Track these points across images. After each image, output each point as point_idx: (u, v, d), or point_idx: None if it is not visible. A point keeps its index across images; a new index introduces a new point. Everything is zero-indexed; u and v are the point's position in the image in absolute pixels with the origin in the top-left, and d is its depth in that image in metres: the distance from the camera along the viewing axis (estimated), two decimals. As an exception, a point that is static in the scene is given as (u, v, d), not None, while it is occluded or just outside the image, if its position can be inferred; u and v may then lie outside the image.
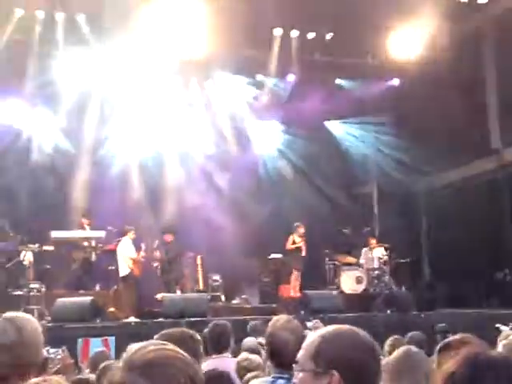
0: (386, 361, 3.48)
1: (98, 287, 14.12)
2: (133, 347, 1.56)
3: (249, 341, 6.52)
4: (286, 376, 3.37)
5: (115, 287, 13.90)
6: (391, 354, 3.73)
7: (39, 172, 15.92)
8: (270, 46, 16.31)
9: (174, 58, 15.45)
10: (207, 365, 5.07)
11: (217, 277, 15.65)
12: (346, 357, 2.02)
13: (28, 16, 14.61)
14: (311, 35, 16.31)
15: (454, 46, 15.25)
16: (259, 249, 16.56)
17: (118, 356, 6.73)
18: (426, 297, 16.15)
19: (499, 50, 15.83)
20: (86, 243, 14.47)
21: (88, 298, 11.76)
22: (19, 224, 14.19)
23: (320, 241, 16.05)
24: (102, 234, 14.43)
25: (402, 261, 16.15)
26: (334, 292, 14.20)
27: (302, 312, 12.24)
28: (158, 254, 14.57)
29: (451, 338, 4.22)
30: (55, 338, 7.85)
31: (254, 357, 5.20)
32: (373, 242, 15.96)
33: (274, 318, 3.64)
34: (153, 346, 1.56)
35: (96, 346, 8.98)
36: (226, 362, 5.23)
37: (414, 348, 3.58)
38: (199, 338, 3.38)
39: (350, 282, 15.20)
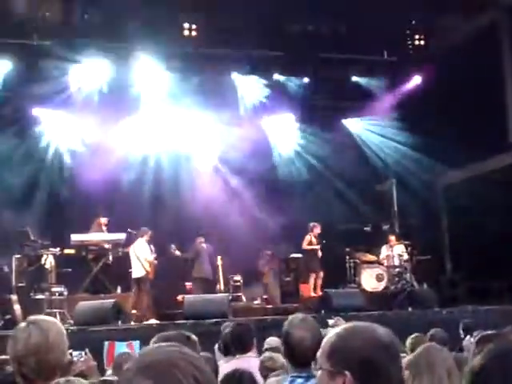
0: (407, 359, 3.47)
1: (119, 290, 14.17)
2: (143, 349, 1.57)
3: (271, 340, 6.51)
4: (303, 375, 3.36)
5: (136, 289, 13.96)
6: (413, 352, 3.71)
7: (58, 175, 16.04)
8: (287, 44, 16.29)
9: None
10: (230, 365, 5.08)
11: (238, 277, 15.67)
12: (360, 357, 1.98)
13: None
14: (327, 33, 16.26)
15: (471, 41, 15.15)
16: (280, 248, 16.58)
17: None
18: (448, 293, 16.06)
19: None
20: (106, 246, 14.56)
21: (110, 301, 11.82)
22: (40, 228, 14.28)
23: (340, 239, 16.02)
24: (122, 236, 14.52)
25: (423, 258, 16.05)
26: (355, 290, 14.16)
27: (323, 311, 12.20)
28: (178, 252, 14.87)
29: (487, 332, 4.20)
30: (79, 342, 7.93)
31: (277, 356, 5.20)
32: (393, 239, 15.89)
33: (290, 316, 3.63)
34: (161, 348, 1.57)
35: (121, 349, 9.01)
36: (250, 362, 5.22)
37: (435, 345, 3.57)
38: (196, 339, 3.37)
39: (370, 280, 15.16)
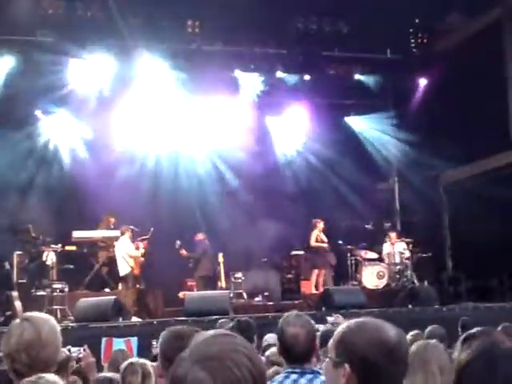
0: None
1: (120, 286, 14.18)
2: (198, 338, 1.57)
3: (270, 337, 6.53)
4: (297, 371, 3.38)
5: (137, 286, 13.98)
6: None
7: (62, 172, 16.07)
8: (289, 42, 16.29)
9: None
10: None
11: (239, 274, 15.69)
12: (360, 353, 2.03)
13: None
14: (331, 31, 16.25)
15: (474, 39, 15.15)
16: (282, 245, 16.61)
17: (141, 355, 6.77)
18: (449, 291, 16.08)
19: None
20: (107, 242, 14.58)
21: (111, 298, 11.84)
22: (42, 225, 14.30)
23: (342, 236, 16.04)
24: (123, 233, 14.51)
25: (424, 255, 16.08)
26: (356, 287, 14.17)
27: (324, 308, 12.22)
28: (184, 252, 14.89)
29: (475, 330, 4.21)
30: (79, 338, 7.96)
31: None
32: (394, 236, 15.90)
33: (285, 314, 3.65)
34: (216, 337, 1.57)
35: (118, 345, 9.02)
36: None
37: (430, 342, 3.58)
38: None
39: (371, 278, 15.17)
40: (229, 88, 17.17)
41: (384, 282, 15.17)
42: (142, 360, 4.51)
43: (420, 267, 15.82)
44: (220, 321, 6.99)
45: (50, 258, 13.47)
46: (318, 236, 15.36)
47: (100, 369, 5.71)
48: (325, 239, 15.47)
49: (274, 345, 5.96)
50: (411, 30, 16.79)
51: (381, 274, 15.19)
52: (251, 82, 17.34)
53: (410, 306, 13.02)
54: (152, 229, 14.49)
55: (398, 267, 15.44)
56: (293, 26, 16.12)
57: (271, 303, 15.00)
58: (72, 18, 14.90)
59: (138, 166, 16.44)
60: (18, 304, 11.77)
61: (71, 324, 11.03)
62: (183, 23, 15.74)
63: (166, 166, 16.86)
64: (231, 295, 13.86)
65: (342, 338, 2.11)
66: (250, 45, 15.94)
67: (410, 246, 15.69)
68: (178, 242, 14.97)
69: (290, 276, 16.57)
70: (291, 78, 17.49)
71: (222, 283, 15.32)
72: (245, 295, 15.43)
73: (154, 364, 4.46)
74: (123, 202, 14.93)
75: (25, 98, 15.24)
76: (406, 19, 15.85)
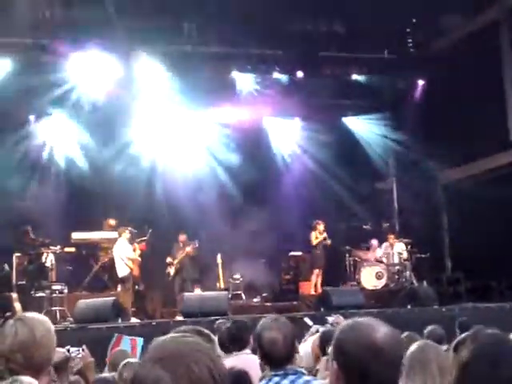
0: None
1: (119, 288, 14.19)
2: (156, 340, 1.59)
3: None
4: (280, 373, 3.38)
5: (136, 287, 13.98)
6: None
7: (61, 176, 16.05)
8: (286, 42, 16.29)
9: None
10: (228, 362, 5.10)
11: (237, 275, 15.70)
12: (346, 351, 2.06)
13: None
14: (326, 31, 16.26)
15: (472, 39, 15.15)
16: (280, 246, 16.61)
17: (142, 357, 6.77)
18: (448, 291, 16.08)
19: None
20: (106, 244, 14.59)
21: (110, 299, 11.84)
22: (41, 227, 14.30)
23: (340, 237, 16.05)
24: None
25: (423, 256, 16.09)
26: (355, 288, 14.17)
27: (322, 309, 12.22)
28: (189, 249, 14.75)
29: (469, 332, 4.23)
30: (78, 339, 7.95)
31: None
32: (393, 237, 15.91)
33: (262, 319, 3.65)
34: (175, 338, 1.59)
35: (125, 343, 9.02)
36: (247, 359, 5.25)
37: (430, 342, 3.58)
38: (215, 338, 3.38)
39: (370, 278, 15.18)
40: (225, 89, 17.19)
41: (383, 282, 15.18)
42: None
43: (419, 268, 15.84)
44: (218, 321, 6.98)
45: (49, 259, 13.49)
46: (316, 237, 15.36)
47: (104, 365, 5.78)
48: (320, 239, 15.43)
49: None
50: (408, 30, 16.77)
51: (379, 274, 15.20)
52: (248, 83, 17.35)
53: (409, 307, 13.02)
54: (150, 230, 14.49)
55: (397, 268, 15.46)
56: (289, 27, 16.11)
57: (269, 304, 15.00)
58: (69, 19, 14.86)
59: (136, 167, 16.40)
60: (17, 305, 11.78)
61: (70, 325, 11.03)
62: (180, 25, 15.72)
63: (163, 167, 16.84)
64: (230, 296, 13.85)
65: (336, 336, 2.15)
66: (247, 46, 15.92)
67: (409, 246, 15.71)
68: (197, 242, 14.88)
69: (288, 277, 16.59)
70: (288, 79, 17.49)
71: (221, 284, 15.33)
72: (243, 296, 15.45)
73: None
74: (121, 203, 14.94)
75: (21, 99, 15.20)
76: (404, 19, 15.85)
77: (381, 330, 2.09)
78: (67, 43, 14.85)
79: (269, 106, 17.70)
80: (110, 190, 15.69)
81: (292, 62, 16.85)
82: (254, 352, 5.66)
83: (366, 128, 18.91)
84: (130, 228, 14.13)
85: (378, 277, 15.15)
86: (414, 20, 16.45)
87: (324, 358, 4.65)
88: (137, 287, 14.08)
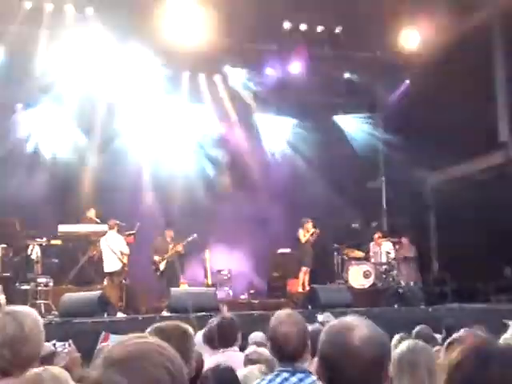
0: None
1: (106, 282, 14.12)
2: (113, 343, 1.57)
3: (256, 335, 6.51)
4: (289, 369, 3.37)
5: (123, 282, 13.90)
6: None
7: (48, 168, 15.93)
8: (280, 39, 16.26)
9: (183, 53, 15.38)
10: (215, 358, 5.08)
11: (225, 271, 15.69)
12: (325, 352, 2.13)
13: (36, 9, 14.55)
14: (320, 28, 16.26)
15: (463, 40, 15.16)
16: (269, 243, 16.61)
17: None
18: (435, 291, 16.13)
19: (507, 42, 15.75)
20: (93, 237, 14.50)
21: (96, 293, 11.76)
22: (27, 218, 14.20)
23: (329, 235, 16.05)
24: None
25: (410, 255, 16.14)
26: (342, 286, 14.18)
27: (310, 306, 12.21)
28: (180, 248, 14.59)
29: (459, 333, 4.22)
30: (63, 333, 7.90)
31: (263, 350, 5.19)
32: (381, 236, 15.93)
33: (276, 312, 3.63)
34: (131, 340, 1.55)
35: (113, 341, 8.95)
36: (233, 356, 5.24)
37: (419, 343, 3.56)
38: (192, 333, 3.34)
39: (357, 277, 15.20)
40: (219, 86, 17.18)
41: (370, 281, 15.20)
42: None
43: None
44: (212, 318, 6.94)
45: (35, 251, 13.39)
46: (303, 234, 15.36)
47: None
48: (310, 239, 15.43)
49: (259, 343, 5.95)
50: (400, 29, 16.75)
51: (367, 273, 15.22)
52: (240, 79, 17.32)
53: (395, 306, 13.04)
54: (138, 223, 14.41)
55: (384, 267, 15.48)
56: (283, 24, 16.07)
57: (257, 301, 14.99)
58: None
59: (123, 160, 16.30)
60: (1, 298, 11.68)
61: (55, 319, 10.94)
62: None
63: (151, 160, 16.78)
64: (217, 292, 13.83)
65: (321, 334, 2.20)
66: (240, 42, 15.87)
67: (397, 246, 15.73)
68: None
69: (276, 274, 16.57)
70: (280, 76, 17.47)
71: (208, 280, 15.30)
72: (230, 292, 15.43)
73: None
74: (108, 196, 14.87)
75: (5, 90, 15.08)
76: (396, 19, 15.83)
77: (359, 332, 2.11)
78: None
79: (260, 102, 17.67)
80: (98, 183, 15.62)
81: (285, 58, 16.82)
82: (241, 349, 5.65)
83: (357, 127, 18.93)
84: (118, 221, 14.08)
85: (366, 276, 15.16)
86: (405, 21, 16.46)
87: (315, 360, 4.63)
88: (124, 281, 14.00)
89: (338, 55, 17.01)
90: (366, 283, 15.16)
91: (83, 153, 16.23)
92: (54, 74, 15.41)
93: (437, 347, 4.38)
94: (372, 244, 15.97)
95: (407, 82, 17.90)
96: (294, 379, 3.31)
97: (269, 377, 3.45)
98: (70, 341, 4.19)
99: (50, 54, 15.07)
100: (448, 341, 3.46)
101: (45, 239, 13.71)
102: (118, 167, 15.88)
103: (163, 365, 1.48)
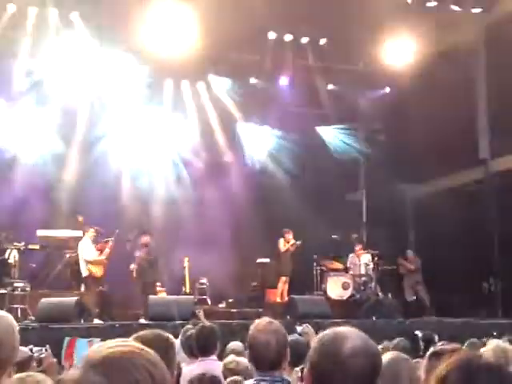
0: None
1: (83, 288, 13.98)
2: (93, 347, 1.55)
3: (234, 344, 6.48)
4: (267, 379, 3.34)
5: (100, 288, 13.77)
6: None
7: (27, 171, 15.77)
8: (264, 49, 16.31)
9: (166, 61, 15.36)
10: (194, 367, 5.05)
11: (204, 280, 15.63)
12: (314, 361, 2.10)
13: (20, 13, 14.48)
14: (305, 40, 16.33)
15: (446, 56, 15.31)
16: (248, 253, 16.59)
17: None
18: (413, 305, 16.19)
19: (490, 59, 15.92)
20: (72, 243, 14.37)
21: (73, 299, 11.66)
22: (5, 222, 14.07)
23: (308, 246, 16.06)
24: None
25: (389, 268, 16.20)
26: (321, 297, 14.17)
27: (288, 317, 12.19)
28: (138, 253, 14.16)
29: (441, 345, 4.23)
30: (40, 338, 7.82)
31: (241, 359, 5.18)
32: (360, 248, 15.96)
33: (256, 320, 3.61)
34: (113, 343, 1.54)
35: (81, 346, 8.89)
36: (212, 365, 5.21)
37: (400, 354, 3.55)
38: (174, 341, 3.31)
39: (336, 288, 15.21)
40: (202, 94, 17.18)
41: (349, 292, 15.22)
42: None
43: (384, 280, 15.93)
44: (186, 327, 6.92)
45: (12, 255, 13.25)
46: (284, 244, 15.37)
47: (61, 368, 5.62)
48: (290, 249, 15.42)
49: (237, 352, 5.92)
50: (384, 44, 16.85)
51: (345, 284, 15.23)
52: (224, 88, 17.33)
53: (373, 318, 13.06)
54: (117, 231, 14.29)
55: (363, 279, 15.51)
56: (268, 34, 16.12)
57: (235, 310, 14.93)
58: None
59: (102, 166, 16.17)
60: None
61: (32, 324, 10.83)
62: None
63: (131, 168, 16.71)
64: (195, 300, 13.76)
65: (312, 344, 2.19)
66: (225, 51, 15.89)
67: (376, 258, 15.78)
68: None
69: (255, 284, 16.54)
70: (264, 85, 17.50)
71: (187, 288, 15.22)
72: (209, 301, 15.37)
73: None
74: (87, 202, 14.76)
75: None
76: (380, 32, 15.93)
77: (350, 342, 2.09)
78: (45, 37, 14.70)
79: (242, 111, 17.68)
80: (79, 188, 15.51)
81: (269, 69, 16.85)
82: (219, 358, 5.62)
83: (339, 139, 18.98)
84: (96, 227, 13.94)
85: (345, 287, 15.18)
86: (391, 35, 16.59)
87: (297, 369, 4.62)
88: (101, 288, 13.87)
89: (322, 67, 17.10)
90: (345, 294, 15.17)
91: (63, 158, 16.09)
92: (36, 76, 15.31)
93: (417, 359, 4.38)
94: (351, 256, 16.00)
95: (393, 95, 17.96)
96: None
97: None
98: (47, 346, 4.15)
99: (33, 58, 14.98)
100: (429, 353, 3.46)
101: (23, 243, 13.58)
102: (98, 173, 15.74)
103: (145, 367, 1.47)
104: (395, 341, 6.35)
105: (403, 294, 16.62)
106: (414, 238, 18.83)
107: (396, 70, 16.55)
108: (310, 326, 6.45)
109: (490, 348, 4.53)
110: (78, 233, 14.32)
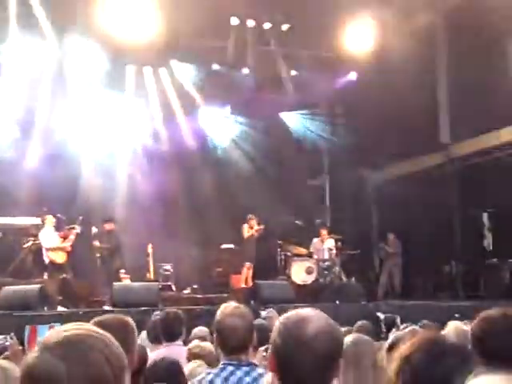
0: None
1: (45, 275, 13.83)
2: (50, 331, 1.56)
3: (199, 330, 6.53)
4: (234, 363, 3.37)
5: (63, 276, 13.64)
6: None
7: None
8: (227, 35, 16.24)
9: (128, 46, 15.22)
10: (158, 353, 5.07)
11: (168, 266, 15.60)
12: (277, 342, 2.12)
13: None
14: (267, 25, 16.31)
15: (407, 41, 15.41)
16: (212, 239, 16.60)
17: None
18: (376, 288, 16.40)
19: (451, 45, 16.08)
20: (33, 230, 14.19)
21: (36, 286, 11.57)
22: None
23: (272, 231, 16.13)
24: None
25: (352, 252, 16.36)
26: (285, 282, 14.25)
27: (253, 302, 12.25)
28: (97, 243, 14.06)
29: (401, 332, 4.30)
30: (3, 326, 7.76)
31: (205, 344, 5.21)
32: (324, 233, 16.06)
33: (223, 304, 3.63)
34: (69, 326, 1.54)
35: (43, 333, 8.83)
36: (177, 350, 5.23)
37: (362, 336, 3.61)
38: (134, 325, 3.31)
39: (300, 273, 15.28)
40: (164, 80, 17.06)
41: (313, 277, 15.31)
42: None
43: (348, 264, 16.09)
44: (155, 312, 6.93)
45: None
46: (247, 230, 15.40)
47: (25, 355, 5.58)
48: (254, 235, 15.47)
49: (201, 338, 5.96)
50: (346, 29, 16.92)
51: (309, 269, 15.32)
52: (187, 74, 17.23)
53: (337, 302, 13.19)
54: (81, 217, 14.15)
55: (327, 263, 15.61)
56: (231, 20, 16.05)
57: (200, 296, 14.95)
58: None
59: (63, 154, 15.98)
60: None
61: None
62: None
63: (92, 155, 16.55)
64: (160, 287, 13.73)
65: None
66: (187, 36, 15.79)
67: (339, 242, 15.91)
68: (96, 231, 14.36)
69: (219, 269, 16.57)
70: (227, 72, 17.43)
71: (151, 275, 15.18)
72: (173, 287, 15.36)
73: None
74: (48, 190, 14.58)
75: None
76: (342, 17, 15.98)
77: (313, 324, 2.11)
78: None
79: (205, 97, 17.61)
80: (38, 177, 15.30)
81: (232, 54, 16.79)
82: (185, 344, 5.65)
83: (302, 124, 19.04)
84: (58, 215, 13.79)
85: (309, 272, 15.27)
86: (353, 19, 16.66)
87: (261, 349, 4.67)
88: (64, 275, 13.74)
89: (285, 52, 17.10)
90: (309, 279, 15.26)
91: (23, 145, 15.85)
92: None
93: (379, 341, 4.46)
94: (315, 241, 16.09)
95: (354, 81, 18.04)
96: (239, 373, 3.33)
97: (214, 371, 3.45)
98: (12, 334, 4.13)
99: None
100: (393, 335, 3.52)
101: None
102: (59, 162, 15.54)
103: (100, 349, 1.48)
104: (358, 323, 6.44)
105: (367, 278, 16.84)
106: (377, 223, 19.03)
107: (358, 55, 16.64)
108: (274, 311, 6.51)
109: (452, 329, 4.62)
110: (34, 220, 14.13)
